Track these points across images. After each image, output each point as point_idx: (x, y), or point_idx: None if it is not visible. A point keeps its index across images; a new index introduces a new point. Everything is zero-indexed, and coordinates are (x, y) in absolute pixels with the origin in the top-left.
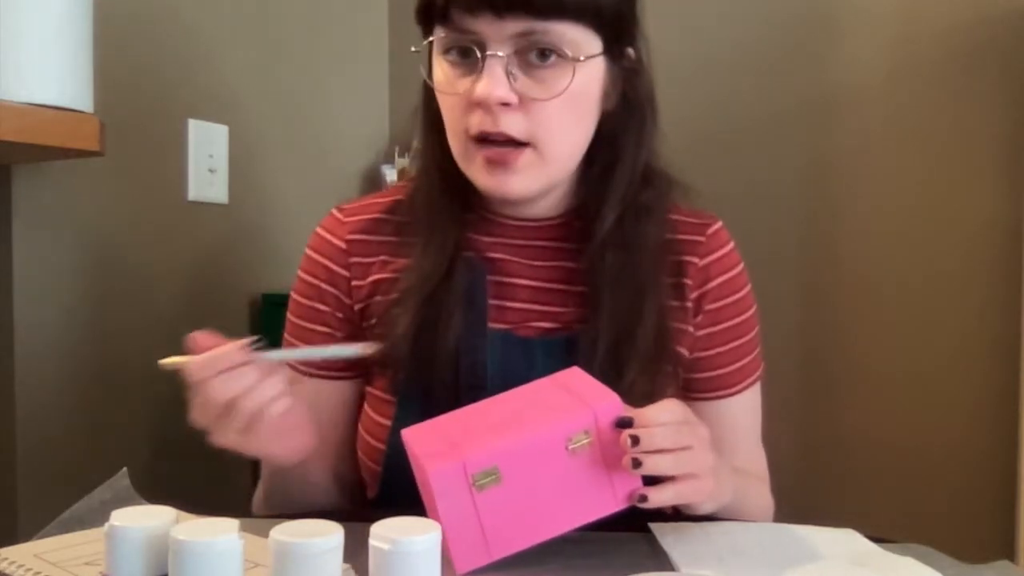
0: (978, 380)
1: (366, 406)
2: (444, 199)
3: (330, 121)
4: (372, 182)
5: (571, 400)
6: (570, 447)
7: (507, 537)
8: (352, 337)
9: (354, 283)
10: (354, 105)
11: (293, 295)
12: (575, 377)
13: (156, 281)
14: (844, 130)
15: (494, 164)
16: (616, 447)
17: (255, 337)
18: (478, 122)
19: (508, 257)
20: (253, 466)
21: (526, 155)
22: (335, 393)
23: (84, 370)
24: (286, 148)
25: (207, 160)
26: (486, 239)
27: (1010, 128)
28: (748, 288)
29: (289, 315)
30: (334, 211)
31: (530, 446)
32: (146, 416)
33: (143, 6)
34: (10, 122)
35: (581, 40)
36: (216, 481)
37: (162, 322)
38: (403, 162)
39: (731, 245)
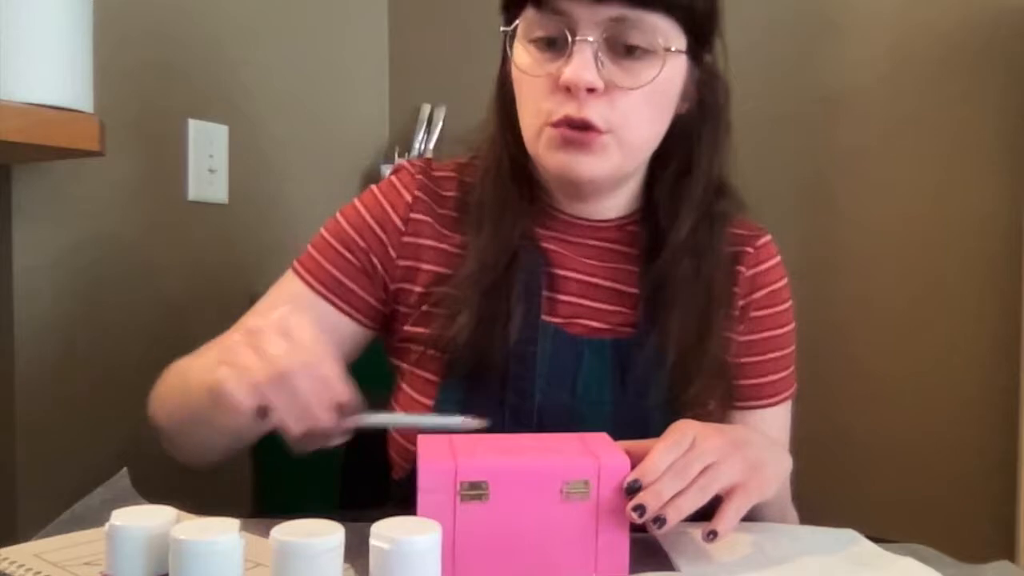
0: (978, 380)
1: (404, 385)
2: (512, 189)
3: (330, 121)
4: (372, 182)
5: (583, 450)
6: (565, 490)
7: (474, 563)
8: (368, 289)
9: (405, 239)
10: (354, 105)
11: (337, 216)
12: (599, 439)
13: (156, 281)
14: (843, 130)
15: (569, 144)
16: (616, 516)
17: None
18: (562, 107)
19: (562, 251)
20: (253, 465)
21: (604, 138)
22: (351, 334)
23: (84, 370)
24: (286, 148)
25: (207, 160)
26: (542, 231)
27: (1010, 128)
28: (790, 303)
29: (324, 231)
30: (406, 164)
31: (526, 474)
32: (146, 416)
33: (143, 6)
34: (10, 122)
35: (670, 34)
36: (216, 481)
37: (162, 322)
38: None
39: (778, 259)
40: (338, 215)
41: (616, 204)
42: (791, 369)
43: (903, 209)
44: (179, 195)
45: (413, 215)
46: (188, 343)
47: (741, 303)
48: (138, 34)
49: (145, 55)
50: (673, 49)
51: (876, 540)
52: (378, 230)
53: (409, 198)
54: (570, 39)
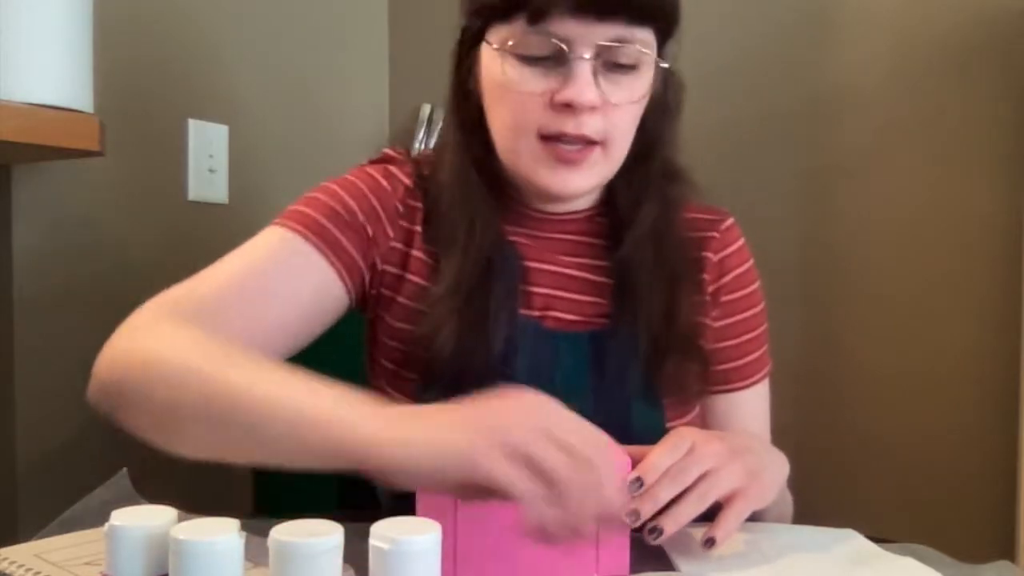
0: (978, 380)
1: (384, 384)
2: (480, 196)
3: (330, 121)
4: None
5: None
6: None
7: (474, 563)
8: (360, 250)
9: (402, 222)
10: (354, 105)
11: (328, 184)
12: None
13: (156, 281)
14: (843, 131)
15: (562, 161)
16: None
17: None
18: (558, 122)
19: (533, 245)
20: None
21: (595, 153)
22: (333, 299)
23: (84, 370)
24: (286, 148)
25: (207, 160)
26: (512, 228)
27: (1010, 128)
28: (758, 283)
29: (313, 192)
30: (392, 153)
31: None
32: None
33: (143, 6)
34: (10, 122)
35: (651, 43)
36: (216, 481)
37: None
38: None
39: (743, 241)
40: (329, 183)
41: (584, 198)
42: (765, 348)
43: (903, 208)
44: (179, 195)
45: (410, 201)
46: None
47: (711, 289)
48: (138, 34)
49: (145, 55)
50: (663, 64)
51: (876, 540)
52: (377, 205)
53: (409, 183)
54: (569, 56)
